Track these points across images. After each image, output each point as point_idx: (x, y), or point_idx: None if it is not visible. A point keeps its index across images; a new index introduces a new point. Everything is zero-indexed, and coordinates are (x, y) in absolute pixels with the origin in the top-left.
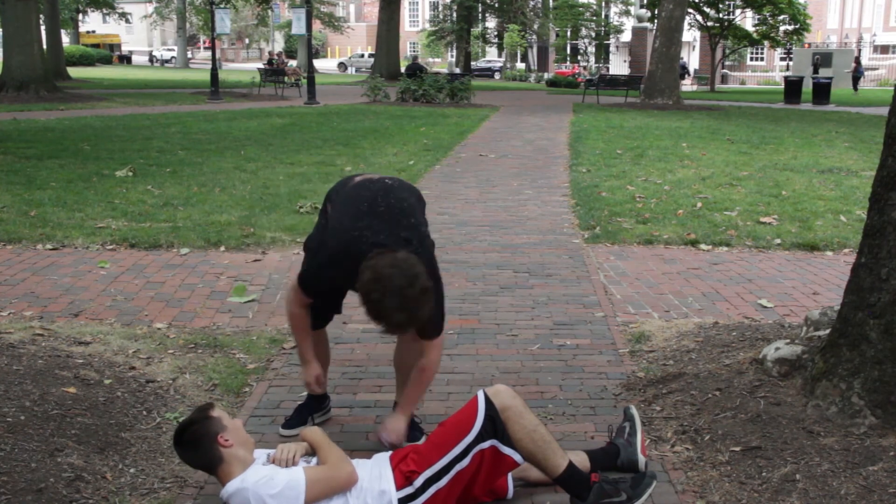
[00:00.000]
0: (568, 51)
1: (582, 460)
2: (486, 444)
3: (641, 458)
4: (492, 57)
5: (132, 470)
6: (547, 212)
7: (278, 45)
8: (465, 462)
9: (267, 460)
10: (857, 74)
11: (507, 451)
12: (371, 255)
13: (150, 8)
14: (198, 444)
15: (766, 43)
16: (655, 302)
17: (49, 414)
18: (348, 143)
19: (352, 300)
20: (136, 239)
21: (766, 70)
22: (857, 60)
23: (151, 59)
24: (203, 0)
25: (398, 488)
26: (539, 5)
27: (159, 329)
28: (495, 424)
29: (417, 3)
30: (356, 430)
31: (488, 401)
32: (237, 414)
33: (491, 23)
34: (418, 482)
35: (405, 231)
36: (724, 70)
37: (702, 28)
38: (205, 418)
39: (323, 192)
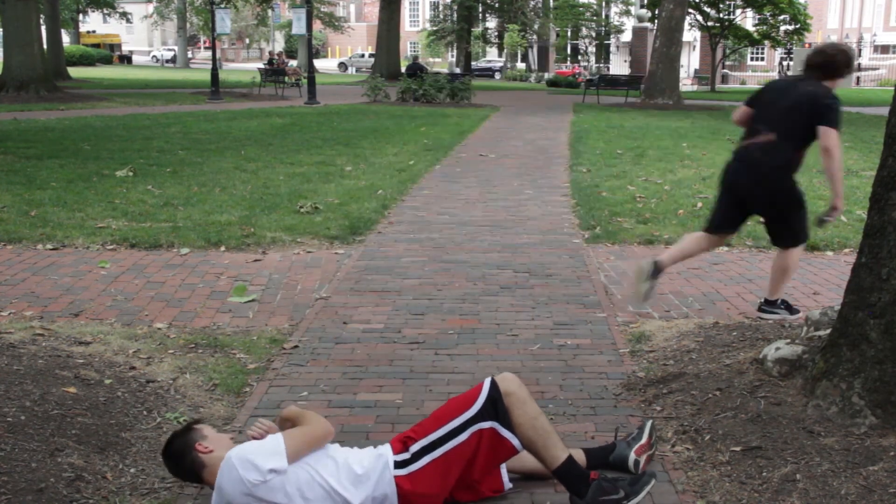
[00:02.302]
0: (568, 51)
1: (579, 457)
2: (485, 425)
3: (633, 457)
4: (492, 57)
5: (132, 470)
6: (547, 212)
7: (278, 45)
8: (463, 437)
9: None
10: None
11: (506, 434)
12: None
13: (151, 8)
14: (179, 453)
15: (766, 43)
16: (656, 302)
17: (49, 414)
18: (349, 143)
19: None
20: (136, 239)
21: (767, 70)
22: None
23: (174, 59)
24: (203, 0)
25: (395, 453)
26: (539, 5)
27: (159, 329)
28: (497, 406)
29: (417, 3)
30: (356, 430)
31: (493, 383)
32: (237, 414)
33: (491, 23)
34: (414, 448)
35: None
36: (725, 70)
37: (702, 28)
38: (186, 430)
39: (323, 192)
